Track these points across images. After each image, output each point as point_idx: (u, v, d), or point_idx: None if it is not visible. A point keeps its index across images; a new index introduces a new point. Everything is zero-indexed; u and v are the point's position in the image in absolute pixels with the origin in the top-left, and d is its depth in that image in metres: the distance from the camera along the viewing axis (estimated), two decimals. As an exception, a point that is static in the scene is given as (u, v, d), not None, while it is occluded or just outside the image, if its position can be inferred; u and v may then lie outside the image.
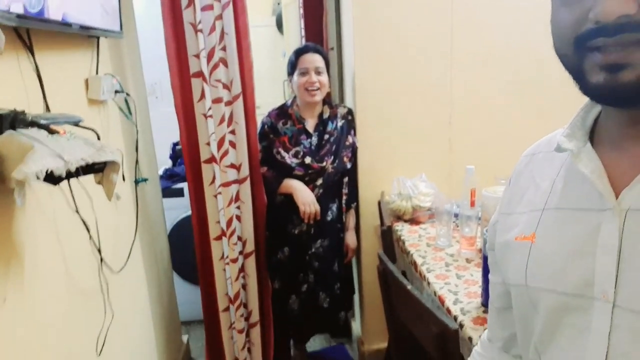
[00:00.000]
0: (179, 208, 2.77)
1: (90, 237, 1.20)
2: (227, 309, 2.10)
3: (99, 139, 1.07)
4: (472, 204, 1.88)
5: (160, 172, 3.03)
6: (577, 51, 0.50)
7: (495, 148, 2.15)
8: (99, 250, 1.23)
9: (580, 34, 0.48)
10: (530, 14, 2.05)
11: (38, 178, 0.75)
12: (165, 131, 2.65)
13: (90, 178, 0.98)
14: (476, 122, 2.17)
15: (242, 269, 2.08)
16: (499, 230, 0.69)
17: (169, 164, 3.14)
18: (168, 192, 2.73)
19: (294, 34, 3.18)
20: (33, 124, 0.88)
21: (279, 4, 4.63)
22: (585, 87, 0.51)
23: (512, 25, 2.07)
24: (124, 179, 1.31)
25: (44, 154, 0.78)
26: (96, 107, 1.47)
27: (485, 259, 1.39)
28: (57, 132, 0.91)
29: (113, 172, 0.99)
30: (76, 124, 1.04)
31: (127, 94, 1.60)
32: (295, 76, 1.96)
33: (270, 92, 4.36)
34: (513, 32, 2.08)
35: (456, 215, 1.87)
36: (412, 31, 2.03)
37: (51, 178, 0.85)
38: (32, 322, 0.96)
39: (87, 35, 1.38)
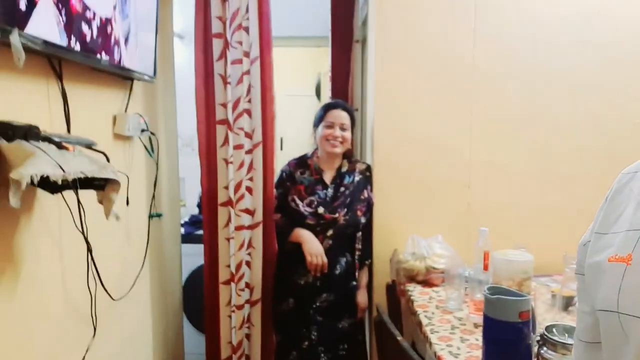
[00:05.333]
0: (200, 254, 2.81)
1: (93, 259, 1.25)
2: (229, 359, 2.06)
3: (108, 161, 1.15)
4: (486, 267, 1.81)
5: (187, 218, 3.13)
6: None
7: (514, 213, 2.10)
8: (98, 274, 1.26)
9: None
10: (551, 82, 2.08)
11: (33, 182, 0.82)
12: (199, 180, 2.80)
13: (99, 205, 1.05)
14: (495, 186, 2.13)
15: (247, 319, 2.06)
16: (590, 251, 0.64)
17: (196, 212, 3.24)
18: (190, 238, 2.79)
19: (328, 99, 3.33)
20: (45, 139, 0.97)
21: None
22: None
23: (532, 92, 2.09)
24: (127, 203, 1.37)
25: (43, 161, 0.85)
26: (122, 142, 1.58)
27: (486, 319, 1.32)
28: (66, 149, 0.99)
29: (113, 192, 1.06)
30: (88, 146, 1.13)
31: (152, 133, 1.71)
32: (320, 128, 2.03)
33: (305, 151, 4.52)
34: (533, 98, 2.09)
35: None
36: (432, 93, 2.09)
37: (49, 186, 0.92)
38: (20, 332, 0.99)
39: (121, 76, 1.52)
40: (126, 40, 1.42)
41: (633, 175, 0.63)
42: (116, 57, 1.33)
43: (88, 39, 1.14)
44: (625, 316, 0.53)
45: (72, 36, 1.05)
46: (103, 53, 1.24)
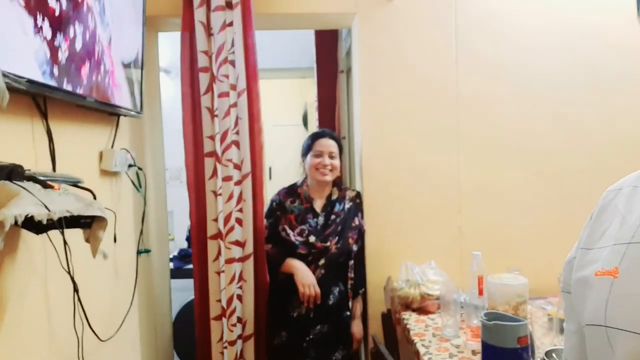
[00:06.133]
0: (190, 289, 2.76)
1: (79, 299, 1.21)
2: (222, 399, 1.98)
3: (95, 199, 1.13)
4: (480, 292, 1.79)
5: (176, 252, 3.08)
6: None
7: (506, 235, 2.11)
8: (85, 314, 1.22)
9: None
10: (536, 104, 2.12)
11: (17, 222, 0.79)
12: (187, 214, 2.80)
13: (86, 243, 1.02)
14: (486, 210, 2.14)
15: (240, 355, 2.00)
16: (576, 266, 0.65)
17: (185, 245, 3.20)
18: (179, 273, 2.74)
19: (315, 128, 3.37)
20: (30, 178, 0.95)
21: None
22: None
23: (518, 115, 2.13)
24: (115, 240, 1.34)
25: (27, 201, 0.83)
26: (108, 178, 1.56)
27: (484, 346, 1.29)
28: (52, 187, 0.97)
29: (100, 229, 1.03)
30: (75, 184, 1.11)
31: (139, 168, 1.69)
32: (309, 157, 2.03)
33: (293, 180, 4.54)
34: (519, 120, 2.13)
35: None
36: (417, 119, 2.11)
37: (34, 226, 0.90)
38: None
39: (107, 112, 1.51)
40: (112, 77, 1.42)
41: (617, 192, 0.64)
42: (102, 94, 1.33)
43: (73, 76, 1.13)
44: (612, 329, 0.53)
45: (57, 74, 1.05)
46: (89, 90, 1.23)
